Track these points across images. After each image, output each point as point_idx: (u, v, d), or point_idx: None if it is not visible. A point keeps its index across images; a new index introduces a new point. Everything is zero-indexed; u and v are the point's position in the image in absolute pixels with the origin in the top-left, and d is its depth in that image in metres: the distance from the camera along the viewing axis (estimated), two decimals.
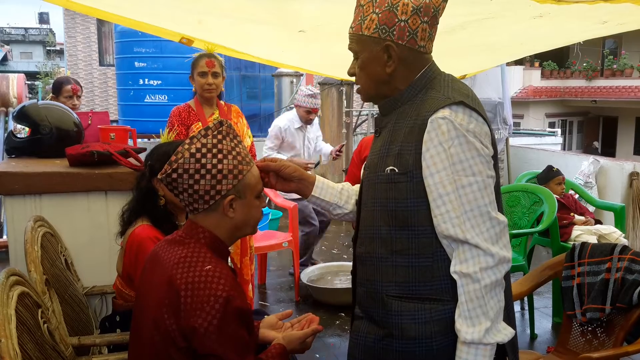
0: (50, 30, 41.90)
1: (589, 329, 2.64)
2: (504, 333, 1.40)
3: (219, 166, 1.49)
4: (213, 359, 1.43)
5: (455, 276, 1.40)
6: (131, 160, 2.68)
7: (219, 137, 1.52)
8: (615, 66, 19.86)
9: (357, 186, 1.71)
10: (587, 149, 20.09)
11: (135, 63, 8.64)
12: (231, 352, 1.44)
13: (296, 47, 3.60)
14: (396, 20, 1.43)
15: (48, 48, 38.90)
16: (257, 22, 3.10)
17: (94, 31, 18.91)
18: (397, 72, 1.49)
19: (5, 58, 36.42)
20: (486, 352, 1.38)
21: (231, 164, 1.51)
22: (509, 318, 1.50)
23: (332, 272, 4.68)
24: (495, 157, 1.47)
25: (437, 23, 1.49)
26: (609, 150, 20.38)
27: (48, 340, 1.69)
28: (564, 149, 14.18)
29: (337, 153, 4.68)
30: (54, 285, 2.12)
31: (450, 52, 3.43)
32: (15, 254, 2.48)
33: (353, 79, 1.59)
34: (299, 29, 3.10)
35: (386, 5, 1.43)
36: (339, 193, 1.74)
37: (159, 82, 8.58)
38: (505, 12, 2.77)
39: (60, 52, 32.97)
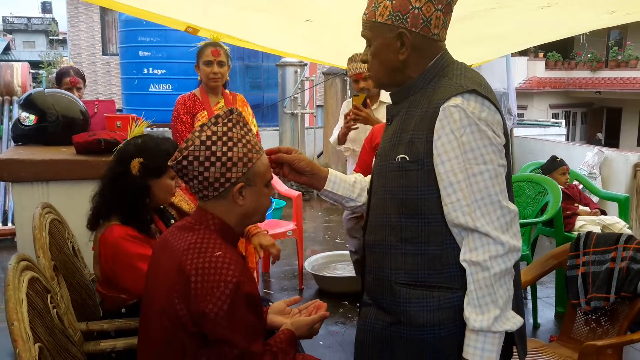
0: (53, 19, 41.78)
1: (593, 317, 2.65)
2: (513, 321, 1.40)
3: (229, 154, 1.50)
4: (223, 344, 1.44)
5: (464, 264, 1.39)
6: None
7: (229, 125, 1.53)
8: (620, 57, 19.77)
9: (369, 177, 1.70)
10: (591, 140, 20.04)
11: (140, 52, 8.62)
12: (241, 336, 1.45)
13: (302, 36, 3.60)
14: (410, 7, 1.42)
15: (51, 37, 38.78)
16: (263, 11, 3.10)
17: (97, 20, 18.88)
18: (409, 60, 1.48)
19: (8, 47, 36.34)
20: (495, 340, 1.38)
21: (241, 152, 1.52)
22: (518, 307, 1.49)
23: (336, 260, 4.70)
24: (507, 146, 1.46)
25: (451, 11, 1.48)
26: (612, 141, 20.32)
27: (57, 325, 1.71)
28: (568, 140, 14.15)
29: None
30: (61, 271, 2.13)
31: (458, 42, 3.42)
32: (22, 240, 2.50)
33: (364, 66, 1.59)
34: (305, 18, 3.10)
35: None
36: (352, 186, 1.74)
37: (164, 71, 8.57)
38: (514, 2, 2.76)
39: (63, 42, 32.92)
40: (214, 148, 1.49)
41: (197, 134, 1.52)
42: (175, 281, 1.48)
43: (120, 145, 2.16)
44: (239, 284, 1.44)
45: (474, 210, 1.37)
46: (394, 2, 1.43)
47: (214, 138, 1.50)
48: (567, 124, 18.49)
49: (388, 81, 1.56)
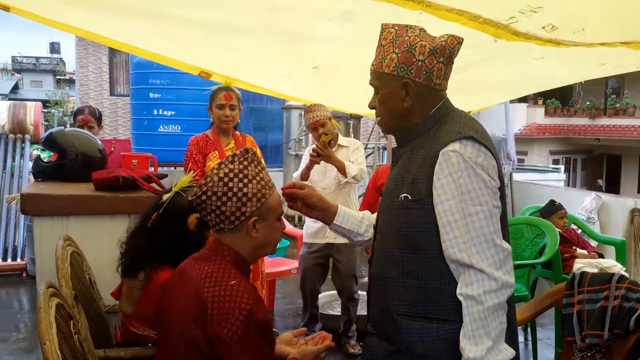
0: (61, 59, 42.66)
1: (589, 354, 2.73)
2: (505, 354, 1.49)
3: (245, 190, 1.63)
4: None
5: (461, 298, 1.49)
6: (154, 185, 2.82)
7: (245, 163, 1.67)
8: (618, 105, 20.07)
9: (376, 214, 1.82)
10: (592, 187, 20.14)
11: (150, 94, 8.87)
12: None
13: (310, 82, 3.78)
14: (414, 60, 1.57)
15: (58, 77, 39.47)
16: (273, 59, 3.29)
17: (105, 62, 19.30)
18: (413, 107, 1.62)
19: (16, 86, 36.97)
20: None
21: (255, 188, 1.65)
22: (512, 341, 1.58)
23: (338, 299, 4.74)
24: (502, 189, 1.58)
25: (452, 63, 1.63)
26: (613, 188, 20.43)
27: (79, 349, 1.80)
28: (567, 186, 14.27)
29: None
30: (80, 300, 2.24)
31: (455, 91, 3.60)
32: (41, 271, 2.61)
33: (370, 112, 1.73)
34: (313, 65, 3.28)
35: (405, 46, 1.57)
36: (360, 222, 1.86)
37: (173, 112, 8.80)
38: (507, 54, 2.92)
39: (70, 82, 33.52)
40: (230, 184, 1.62)
41: (215, 171, 1.65)
42: (192, 308, 1.58)
43: (169, 198, 2.13)
44: (252, 311, 1.55)
45: (469, 248, 1.48)
46: (399, 55, 1.58)
47: (231, 175, 1.63)
48: (568, 170, 18.66)
49: (394, 126, 1.69)
